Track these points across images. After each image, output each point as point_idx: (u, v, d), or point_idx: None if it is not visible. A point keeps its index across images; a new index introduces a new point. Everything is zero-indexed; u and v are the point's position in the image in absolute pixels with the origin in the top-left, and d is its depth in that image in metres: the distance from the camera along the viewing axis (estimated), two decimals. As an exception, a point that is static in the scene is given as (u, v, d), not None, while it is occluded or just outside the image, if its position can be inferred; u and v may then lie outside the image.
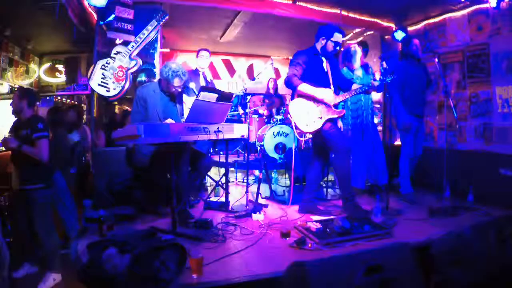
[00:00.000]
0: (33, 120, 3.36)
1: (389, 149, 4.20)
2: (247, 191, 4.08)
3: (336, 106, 3.63)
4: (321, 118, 3.58)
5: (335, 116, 3.62)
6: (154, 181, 3.61)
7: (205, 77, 5.07)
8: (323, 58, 3.73)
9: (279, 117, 5.90)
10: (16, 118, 3.53)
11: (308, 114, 3.59)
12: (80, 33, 5.04)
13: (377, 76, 4.23)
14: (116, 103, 8.52)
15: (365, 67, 4.65)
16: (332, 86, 3.70)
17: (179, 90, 3.60)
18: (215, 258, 2.53)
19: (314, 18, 5.48)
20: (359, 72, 4.58)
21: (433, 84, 4.16)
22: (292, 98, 3.70)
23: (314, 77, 3.62)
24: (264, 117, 6.47)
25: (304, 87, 3.55)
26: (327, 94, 3.55)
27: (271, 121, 5.99)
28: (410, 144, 4.36)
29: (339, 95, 3.69)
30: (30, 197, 3.31)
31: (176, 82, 3.50)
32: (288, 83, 3.60)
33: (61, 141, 4.31)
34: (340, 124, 4.47)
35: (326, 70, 3.73)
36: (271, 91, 6.96)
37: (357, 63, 4.58)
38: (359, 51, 4.57)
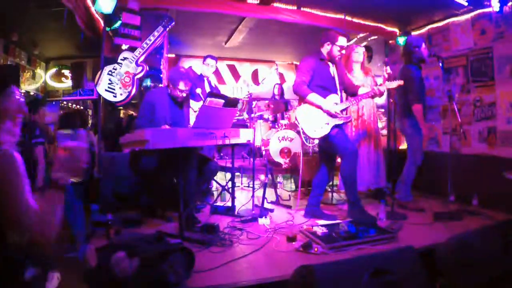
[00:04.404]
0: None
1: (393, 153, 4.20)
2: (253, 196, 4.10)
3: (342, 111, 3.65)
4: (328, 124, 3.58)
5: (342, 121, 3.63)
6: (161, 185, 3.64)
7: (209, 82, 5.11)
8: (330, 63, 3.76)
9: (284, 122, 5.93)
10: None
11: (316, 120, 3.60)
12: (86, 39, 5.11)
13: (380, 80, 4.22)
14: (121, 108, 8.58)
15: (365, 71, 4.67)
16: (339, 92, 3.72)
17: (184, 94, 3.63)
18: (222, 262, 2.55)
19: (319, 23, 5.52)
20: (360, 76, 4.60)
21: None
22: (300, 104, 3.72)
23: (321, 83, 3.65)
24: (269, 121, 6.51)
25: (312, 97, 3.55)
26: (333, 106, 3.56)
27: (276, 126, 6.02)
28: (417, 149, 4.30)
29: (346, 100, 3.72)
30: None
31: (181, 85, 3.55)
32: (297, 90, 3.61)
33: None
34: (347, 129, 4.49)
35: (332, 75, 3.75)
36: (277, 96, 7.00)
37: (359, 67, 4.62)
38: (362, 54, 4.61)
